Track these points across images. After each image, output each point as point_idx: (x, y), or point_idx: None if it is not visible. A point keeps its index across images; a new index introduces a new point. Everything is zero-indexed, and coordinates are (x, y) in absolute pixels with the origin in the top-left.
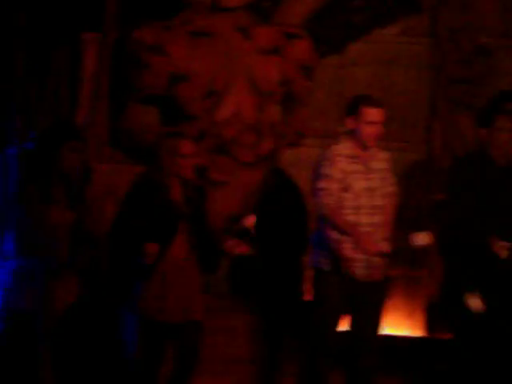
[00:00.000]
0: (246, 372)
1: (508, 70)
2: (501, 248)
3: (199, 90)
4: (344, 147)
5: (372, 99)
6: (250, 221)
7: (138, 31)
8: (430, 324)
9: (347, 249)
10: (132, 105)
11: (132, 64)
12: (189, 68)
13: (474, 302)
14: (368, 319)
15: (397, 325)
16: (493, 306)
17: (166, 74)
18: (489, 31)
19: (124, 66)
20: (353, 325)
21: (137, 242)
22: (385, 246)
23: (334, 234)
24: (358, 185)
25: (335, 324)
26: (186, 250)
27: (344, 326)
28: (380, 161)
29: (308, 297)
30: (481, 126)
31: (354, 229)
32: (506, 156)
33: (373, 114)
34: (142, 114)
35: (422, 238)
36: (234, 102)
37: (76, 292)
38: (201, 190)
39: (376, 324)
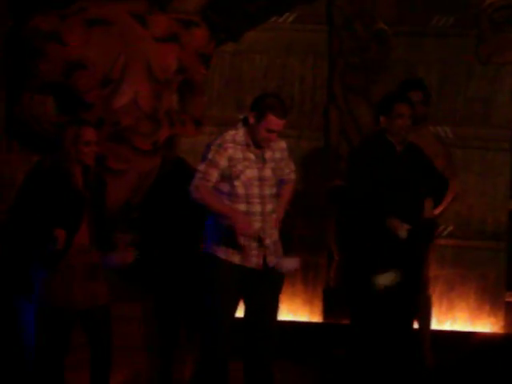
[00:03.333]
0: (143, 361)
1: (401, 56)
2: (400, 229)
3: (96, 78)
4: (238, 134)
5: (279, 109)
6: None
7: (33, 19)
8: (328, 310)
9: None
10: (28, 94)
11: (28, 52)
12: (85, 56)
13: (386, 279)
14: (264, 307)
15: (296, 311)
16: (392, 290)
17: (62, 62)
18: (383, 18)
19: (20, 55)
20: (248, 312)
21: (43, 230)
22: (274, 234)
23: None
24: (248, 173)
25: (229, 311)
26: (88, 237)
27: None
28: (275, 151)
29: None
30: (380, 113)
31: (230, 210)
32: (403, 142)
33: (275, 123)
34: (39, 103)
35: (291, 263)
36: (130, 90)
37: None
38: (99, 178)
39: (272, 311)
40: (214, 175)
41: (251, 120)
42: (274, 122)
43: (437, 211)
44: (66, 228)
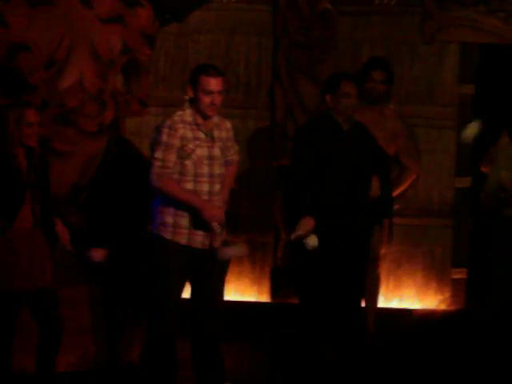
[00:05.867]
0: (90, 344)
1: (347, 35)
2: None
3: (40, 60)
4: (186, 114)
5: (210, 69)
6: None
7: None
8: (276, 289)
9: (184, 217)
10: None
11: None
12: (29, 37)
13: (312, 241)
14: (209, 287)
15: (243, 291)
16: (338, 263)
17: (6, 44)
18: None
19: None
20: (194, 293)
21: None
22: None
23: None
24: (199, 152)
25: (176, 291)
26: (32, 219)
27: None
28: (221, 130)
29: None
30: (326, 91)
31: (194, 197)
32: (349, 120)
33: (210, 83)
34: None
35: (236, 251)
36: (75, 72)
37: None
38: (43, 159)
39: (218, 292)
40: (172, 159)
41: (190, 93)
42: (210, 81)
43: (395, 193)
44: (5, 210)
